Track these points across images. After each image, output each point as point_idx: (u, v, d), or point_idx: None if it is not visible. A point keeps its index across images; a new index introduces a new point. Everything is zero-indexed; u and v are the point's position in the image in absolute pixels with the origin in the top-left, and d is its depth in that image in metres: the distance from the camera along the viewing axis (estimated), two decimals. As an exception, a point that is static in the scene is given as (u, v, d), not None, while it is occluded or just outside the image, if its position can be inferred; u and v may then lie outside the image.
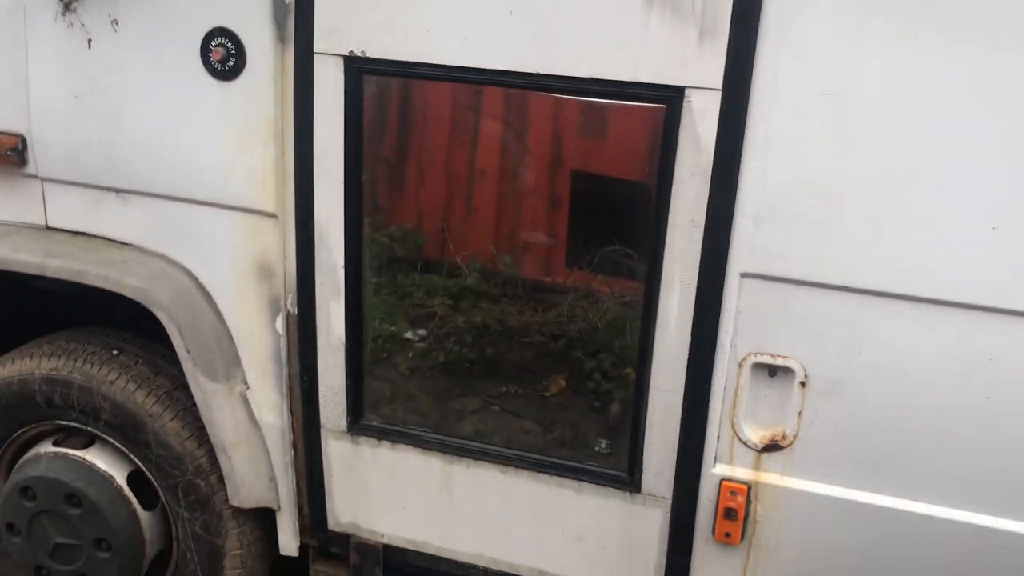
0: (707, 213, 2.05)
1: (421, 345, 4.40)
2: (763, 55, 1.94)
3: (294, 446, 2.59)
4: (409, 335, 4.46)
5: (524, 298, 4.56)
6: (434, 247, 4.82)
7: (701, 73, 1.97)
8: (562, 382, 4.08)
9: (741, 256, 2.06)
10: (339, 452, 2.55)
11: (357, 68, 2.21)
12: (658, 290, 2.14)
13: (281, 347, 2.49)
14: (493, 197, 4.62)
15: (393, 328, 4.34)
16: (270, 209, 2.36)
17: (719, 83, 1.97)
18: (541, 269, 4.69)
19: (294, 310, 2.45)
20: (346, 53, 2.20)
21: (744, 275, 2.07)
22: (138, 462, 2.70)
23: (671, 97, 2.01)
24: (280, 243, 2.40)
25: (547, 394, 4.12)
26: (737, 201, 2.02)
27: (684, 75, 1.99)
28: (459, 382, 4.17)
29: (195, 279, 2.51)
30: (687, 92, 2.00)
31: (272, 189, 2.34)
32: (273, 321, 2.47)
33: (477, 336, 4.39)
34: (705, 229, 2.06)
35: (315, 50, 2.22)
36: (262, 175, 2.34)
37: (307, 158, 2.30)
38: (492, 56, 2.11)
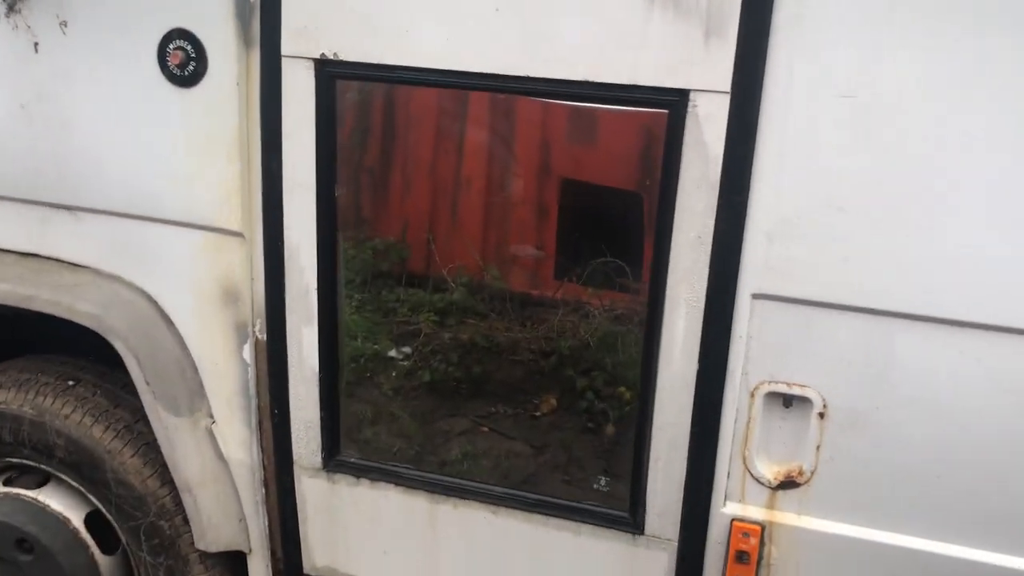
0: (715, 228, 1.87)
1: (405, 364, 4.22)
2: (775, 55, 1.77)
3: (265, 484, 2.38)
4: (393, 353, 4.28)
5: (512, 313, 4.39)
6: (418, 260, 4.64)
7: (707, 75, 1.80)
8: (553, 401, 3.89)
9: (753, 275, 1.88)
10: (314, 491, 2.34)
11: (329, 72, 2.02)
12: (662, 313, 1.95)
13: (249, 377, 2.28)
14: (481, 208, 4.45)
15: (376, 347, 4.16)
16: (235, 227, 2.16)
17: (727, 86, 1.80)
18: (531, 284, 4.51)
19: (263, 337, 2.25)
20: (317, 56, 2.01)
21: (756, 296, 1.89)
22: (96, 502, 2.49)
23: (674, 101, 1.83)
24: (247, 264, 2.20)
25: (538, 414, 3.93)
26: (748, 215, 1.85)
27: (689, 77, 1.81)
28: (446, 402, 3.98)
29: (155, 304, 2.30)
30: (692, 96, 1.82)
31: (237, 205, 2.14)
32: (240, 349, 2.27)
33: (464, 354, 4.21)
34: (713, 246, 1.88)
35: (283, 53, 2.03)
36: (226, 190, 2.14)
37: (275, 171, 2.11)
38: (477, 58, 1.92)
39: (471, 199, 4.34)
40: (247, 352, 2.26)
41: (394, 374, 4.05)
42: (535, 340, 4.17)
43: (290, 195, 2.11)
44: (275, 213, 2.13)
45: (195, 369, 2.32)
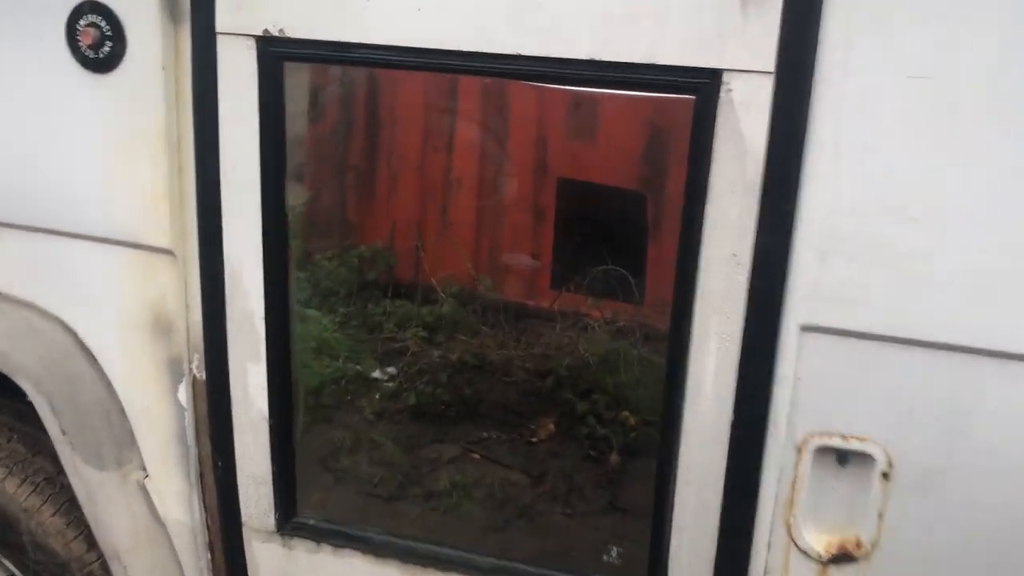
0: (755, 243, 1.50)
1: (390, 385, 3.87)
2: (831, 25, 1.40)
3: (210, 548, 2.00)
4: (377, 374, 3.92)
5: (506, 325, 4.03)
6: (405, 269, 4.28)
7: (746, 51, 1.43)
8: (551, 426, 3.53)
9: (802, 302, 1.51)
10: (267, 557, 1.96)
11: (274, 52, 1.65)
12: (687, 349, 1.57)
13: (187, 423, 1.91)
14: (471, 211, 4.08)
15: (359, 367, 3.81)
16: (164, 243, 1.79)
17: (770, 64, 1.43)
18: (527, 294, 4.15)
19: (201, 375, 1.87)
20: (259, 33, 1.64)
21: (806, 328, 1.52)
22: (13, 568, 2.11)
23: (703, 84, 1.46)
24: (180, 288, 1.82)
25: (534, 440, 3.54)
26: (796, 226, 1.48)
27: (721, 54, 1.44)
28: (433, 427, 3.62)
29: (74, 335, 1.93)
30: (725, 77, 1.45)
31: (166, 216, 1.77)
32: (174, 389, 1.89)
33: (453, 374, 3.86)
34: (752, 266, 1.50)
35: (218, 29, 1.66)
36: (152, 198, 1.76)
37: (212, 174, 1.73)
38: (455, 32, 1.55)
39: (455, 201, 3.99)
40: (183, 393, 1.88)
41: (377, 396, 3.71)
42: (530, 358, 3.82)
43: (230, 202, 1.74)
44: (212, 225, 1.75)
45: (123, 413, 1.95)
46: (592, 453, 3.32)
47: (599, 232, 3.52)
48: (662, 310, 3.46)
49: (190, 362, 1.87)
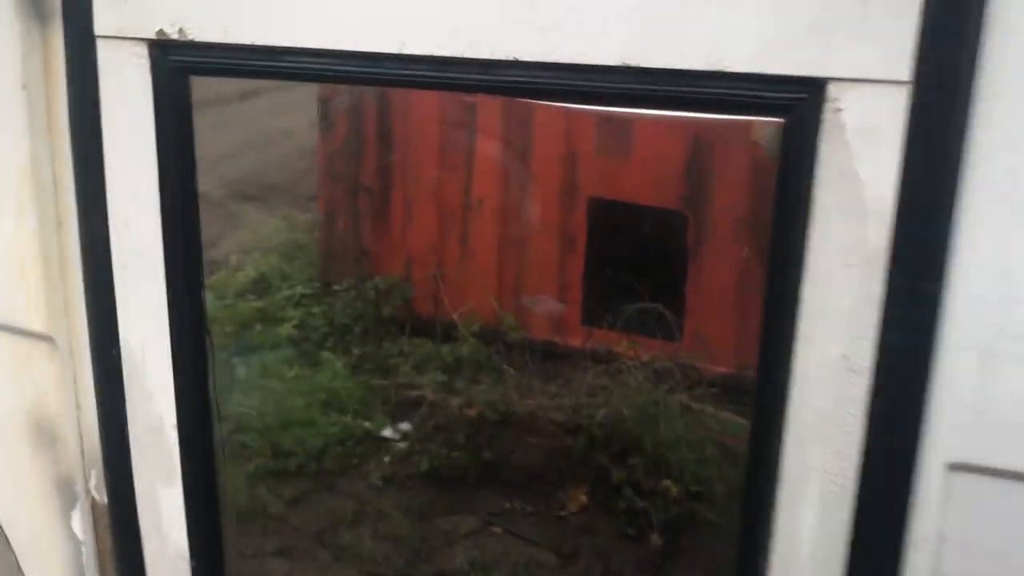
0: (879, 343, 1.00)
1: (402, 446, 3.51)
2: (1005, 8, 0.89)
3: None
4: (388, 432, 3.56)
5: (532, 366, 3.70)
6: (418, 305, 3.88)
7: (864, 51, 0.94)
8: (583, 497, 3.15)
9: (952, 430, 1.02)
10: None
11: (174, 62, 1.18)
12: (775, 494, 1.07)
13: (84, 559, 1.44)
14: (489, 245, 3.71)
15: (368, 424, 3.41)
16: (38, 326, 1.32)
17: (905, 70, 0.94)
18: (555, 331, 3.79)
19: (101, 497, 1.40)
20: (152, 36, 1.17)
21: (956, 467, 1.03)
22: None
23: (798, 101, 0.97)
24: (66, 384, 1.35)
25: (563, 513, 3.12)
26: (944, 317, 0.98)
27: (826, 56, 0.96)
28: (448, 495, 3.22)
29: (-60, 441, 1.47)
30: (832, 90, 0.96)
31: (39, 289, 1.31)
32: (67, 515, 1.42)
33: (472, 433, 3.53)
34: (875, 375, 1.01)
35: (97, 32, 1.20)
36: (18, 264, 1.30)
37: (99, 230, 1.27)
38: (424, 31, 1.07)
39: (476, 226, 3.69)
40: (77, 521, 1.42)
41: (387, 459, 3.36)
42: (558, 410, 3.41)
43: (125, 269, 1.26)
44: (103, 300, 1.29)
45: (7, 542, 1.48)
46: (630, 531, 2.93)
47: (634, 257, 3.15)
48: (704, 348, 3.04)
49: (86, 480, 1.40)
